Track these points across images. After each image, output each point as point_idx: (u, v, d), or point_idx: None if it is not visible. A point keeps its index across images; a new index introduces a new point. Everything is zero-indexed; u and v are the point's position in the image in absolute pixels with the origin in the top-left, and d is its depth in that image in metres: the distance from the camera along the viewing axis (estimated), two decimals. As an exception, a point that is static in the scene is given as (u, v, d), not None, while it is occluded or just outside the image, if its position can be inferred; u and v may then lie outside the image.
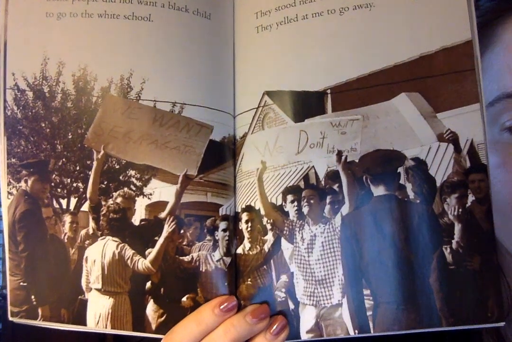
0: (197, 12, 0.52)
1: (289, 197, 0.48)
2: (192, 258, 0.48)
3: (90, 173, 0.49)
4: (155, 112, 0.49)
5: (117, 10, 0.50)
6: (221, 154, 0.50)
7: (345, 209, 0.46)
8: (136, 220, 0.48)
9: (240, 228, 0.49)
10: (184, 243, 0.48)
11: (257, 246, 0.48)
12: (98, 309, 0.48)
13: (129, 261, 0.48)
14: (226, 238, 0.48)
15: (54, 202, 0.50)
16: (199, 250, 0.48)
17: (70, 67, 0.50)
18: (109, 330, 0.47)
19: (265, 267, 0.48)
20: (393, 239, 0.45)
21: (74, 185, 0.50)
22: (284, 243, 0.48)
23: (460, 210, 0.45)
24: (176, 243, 0.48)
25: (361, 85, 0.48)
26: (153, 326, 0.47)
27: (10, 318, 0.49)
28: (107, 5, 0.50)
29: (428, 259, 0.45)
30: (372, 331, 0.45)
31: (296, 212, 0.48)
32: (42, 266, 0.49)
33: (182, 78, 0.50)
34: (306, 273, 0.47)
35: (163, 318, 0.47)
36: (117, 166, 0.49)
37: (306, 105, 0.49)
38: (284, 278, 0.47)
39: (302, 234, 0.48)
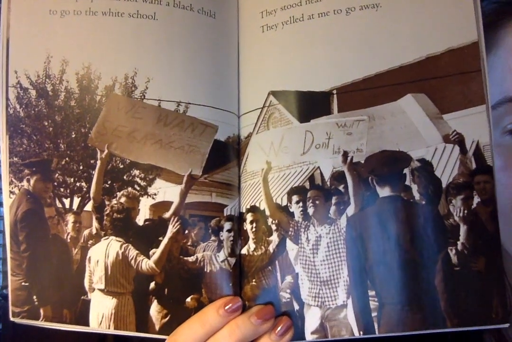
0: (202, 11, 0.51)
1: (295, 198, 0.48)
2: (197, 259, 0.48)
3: (93, 172, 0.48)
4: (159, 111, 0.49)
5: (122, 8, 0.50)
6: (226, 154, 0.50)
7: (350, 210, 0.46)
8: (140, 220, 0.48)
9: (245, 228, 0.48)
10: (189, 243, 0.48)
11: (262, 247, 0.48)
12: (101, 310, 0.48)
13: (132, 261, 0.47)
14: (231, 238, 0.48)
15: (57, 202, 0.50)
16: (204, 251, 0.48)
17: (74, 65, 0.49)
18: (112, 331, 0.47)
19: (270, 267, 0.47)
20: (398, 240, 0.45)
21: (78, 184, 0.49)
22: (289, 243, 0.48)
23: (466, 211, 0.45)
24: (180, 243, 0.47)
25: (367, 86, 0.47)
26: (157, 327, 0.47)
27: (12, 319, 0.48)
28: (112, 3, 0.50)
29: (433, 260, 0.45)
30: (377, 332, 0.45)
31: (302, 212, 0.48)
32: (44, 266, 0.49)
33: (187, 78, 0.50)
34: (311, 274, 0.47)
35: (167, 319, 0.47)
36: (121, 166, 0.49)
37: (311, 105, 0.49)
38: (289, 278, 0.47)
39: (307, 234, 0.48)
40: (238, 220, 0.49)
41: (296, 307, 0.47)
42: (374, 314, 0.45)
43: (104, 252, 0.48)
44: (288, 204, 0.48)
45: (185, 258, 0.48)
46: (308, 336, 0.46)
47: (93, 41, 0.50)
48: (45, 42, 0.49)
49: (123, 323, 0.47)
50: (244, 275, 0.48)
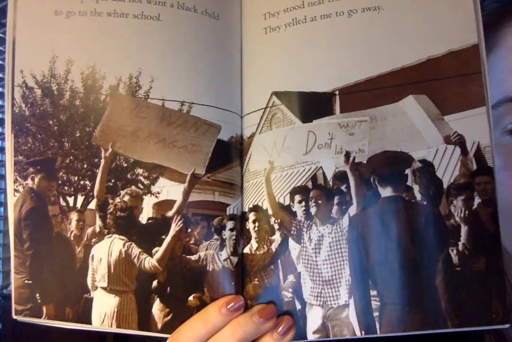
0: (206, 13, 0.52)
1: (297, 197, 0.48)
2: (199, 257, 0.48)
3: (97, 171, 0.49)
4: (163, 111, 0.49)
5: (126, 9, 0.50)
6: (229, 154, 0.50)
7: (352, 210, 0.47)
8: (143, 218, 0.48)
9: (247, 227, 0.49)
10: (191, 242, 0.48)
11: (264, 246, 0.48)
12: (104, 308, 0.48)
13: (135, 260, 0.48)
14: (233, 237, 0.48)
15: (61, 200, 0.50)
16: (206, 249, 0.48)
17: (79, 65, 0.49)
18: (114, 329, 0.47)
19: (272, 267, 0.48)
20: (400, 240, 0.45)
21: (81, 182, 0.49)
22: (291, 243, 0.48)
23: (467, 212, 0.45)
24: (183, 241, 0.48)
25: (369, 87, 0.48)
26: (159, 326, 0.47)
27: (14, 316, 0.49)
28: (116, 4, 0.50)
29: (434, 261, 0.45)
30: (378, 332, 0.45)
31: (304, 212, 0.48)
32: (48, 264, 0.49)
33: (190, 78, 0.50)
34: (313, 273, 0.47)
35: (169, 317, 0.47)
36: (125, 165, 0.49)
37: (314, 106, 0.49)
38: (291, 278, 0.48)
39: (309, 234, 0.48)
40: (240, 219, 0.49)
41: (298, 306, 0.47)
42: (375, 314, 0.45)
43: (107, 250, 0.48)
44: (291, 204, 0.48)
45: (188, 257, 0.48)
46: (310, 335, 0.46)
47: (98, 41, 0.50)
48: (50, 42, 0.50)
49: (125, 322, 0.47)
50: (246, 274, 0.48)
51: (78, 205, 0.50)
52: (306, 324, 0.47)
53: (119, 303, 0.48)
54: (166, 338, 0.46)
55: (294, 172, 0.49)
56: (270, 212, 0.48)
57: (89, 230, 0.49)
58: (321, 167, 0.48)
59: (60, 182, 0.50)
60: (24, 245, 0.49)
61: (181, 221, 0.47)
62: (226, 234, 0.48)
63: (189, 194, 0.48)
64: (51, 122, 0.50)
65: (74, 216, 0.49)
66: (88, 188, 0.49)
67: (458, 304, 0.44)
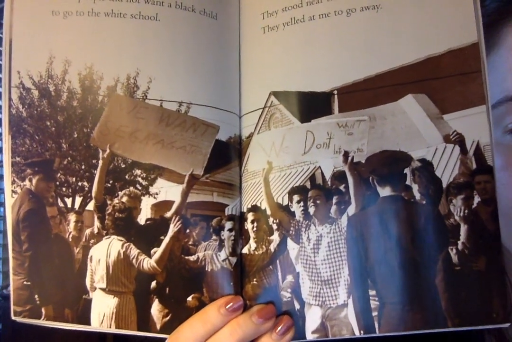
0: (204, 12, 0.52)
1: (295, 197, 0.48)
2: (198, 258, 0.48)
3: (95, 172, 0.49)
4: (161, 111, 0.49)
5: (124, 9, 0.50)
6: (227, 154, 0.50)
7: (351, 210, 0.46)
8: (141, 219, 0.48)
9: (246, 228, 0.48)
10: (190, 243, 0.48)
11: (263, 246, 0.48)
12: (103, 309, 0.48)
13: (134, 261, 0.48)
14: (232, 237, 0.48)
15: (59, 201, 0.50)
16: (205, 250, 0.48)
17: (76, 66, 0.49)
18: (113, 330, 0.47)
19: (271, 267, 0.48)
20: (399, 239, 0.45)
21: (80, 184, 0.49)
22: (290, 243, 0.48)
23: (466, 211, 0.45)
24: (181, 242, 0.48)
25: (368, 86, 0.48)
26: (158, 326, 0.47)
27: (13, 318, 0.49)
28: (114, 4, 0.50)
29: (433, 260, 0.45)
30: (377, 332, 0.45)
31: (302, 212, 0.48)
32: (46, 265, 0.49)
33: (189, 78, 0.50)
34: (312, 273, 0.47)
35: (168, 318, 0.47)
36: (123, 166, 0.49)
37: (312, 105, 0.49)
38: (290, 278, 0.47)
39: (308, 234, 0.48)
40: (239, 219, 0.49)
41: (297, 306, 0.47)
42: (374, 313, 0.45)
43: (105, 251, 0.48)
44: (289, 204, 0.48)
45: (186, 257, 0.48)
46: (309, 335, 0.46)
47: (96, 41, 0.50)
48: (47, 43, 0.50)
49: (125, 322, 0.47)
50: (245, 274, 0.48)
51: (76, 206, 0.49)
52: (305, 324, 0.47)
53: (118, 303, 0.48)
54: (165, 339, 0.46)
55: (292, 171, 0.48)
56: (268, 212, 0.48)
57: (88, 231, 0.49)
58: (319, 167, 0.48)
59: (58, 183, 0.50)
60: (22, 247, 0.49)
61: (179, 222, 0.47)
62: (225, 234, 0.48)
63: (188, 195, 0.48)
64: (48, 124, 0.50)
65: (72, 217, 0.49)
66: (86, 189, 0.49)
67: (458, 303, 0.44)
